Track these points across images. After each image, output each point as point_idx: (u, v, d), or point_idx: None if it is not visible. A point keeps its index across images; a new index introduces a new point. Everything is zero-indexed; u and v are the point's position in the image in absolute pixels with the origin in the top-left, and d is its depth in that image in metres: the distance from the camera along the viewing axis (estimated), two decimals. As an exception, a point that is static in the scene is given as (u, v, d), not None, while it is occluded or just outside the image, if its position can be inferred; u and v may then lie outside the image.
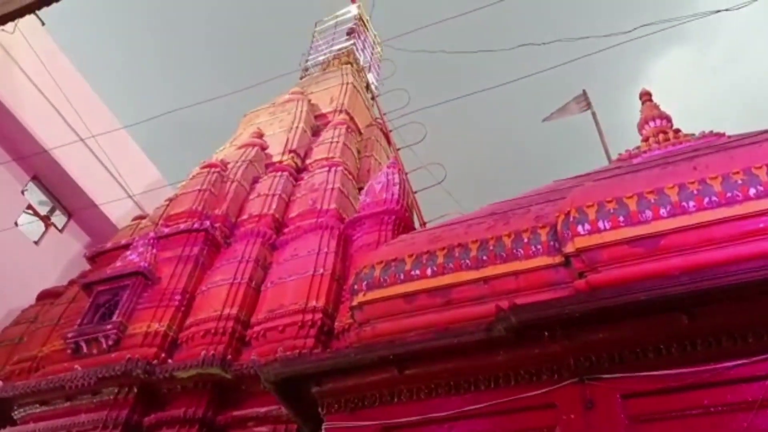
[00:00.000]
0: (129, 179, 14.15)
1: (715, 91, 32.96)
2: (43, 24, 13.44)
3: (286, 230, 9.29)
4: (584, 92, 10.28)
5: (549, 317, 4.54)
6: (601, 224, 4.95)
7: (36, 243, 13.01)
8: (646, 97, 7.95)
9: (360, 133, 12.89)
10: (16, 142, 12.44)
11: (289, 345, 7.15)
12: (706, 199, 4.74)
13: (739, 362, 4.15)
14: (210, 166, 10.36)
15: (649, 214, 4.85)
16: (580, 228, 5.00)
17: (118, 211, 13.77)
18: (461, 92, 8.84)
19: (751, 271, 4.10)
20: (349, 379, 5.20)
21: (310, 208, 9.42)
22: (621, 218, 4.92)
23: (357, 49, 16.11)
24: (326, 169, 10.24)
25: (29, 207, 13.14)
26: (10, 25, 8.90)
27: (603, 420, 4.31)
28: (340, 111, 12.88)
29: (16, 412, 7.82)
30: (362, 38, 16.77)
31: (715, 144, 6.15)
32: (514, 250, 5.30)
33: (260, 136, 11.72)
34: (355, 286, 5.83)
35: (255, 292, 8.20)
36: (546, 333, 4.58)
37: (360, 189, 10.28)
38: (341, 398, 5.26)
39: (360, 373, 5.15)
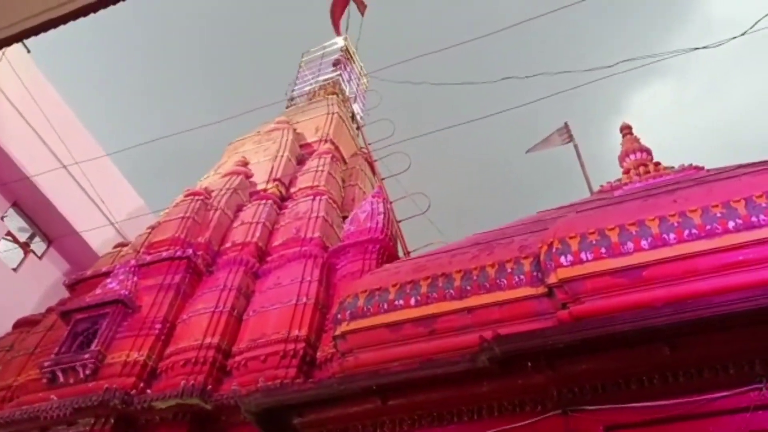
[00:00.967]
0: (111, 206, 14.06)
1: (694, 124, 33.63)
2: (28, 51, 13.46)
3: (269, 258, 9.23)
4: (566, 124, 10.43)
5: (532, 348, 4.55)
6: (583, 255, 5.00)
7: (14, 270, 12.83)
8: (626, 130, 8.08)
9: (345, 163, 12.94)
10: (-3, 168, 12.33)
11: (270, 375, 7.06)
12: (687, 232, 4.81)
13: (721, 394, 4.17)
14: (193, 194, 10.32)
15: (630, 245, 4.91)
16: (562, 259, 5.05)
17: (99, 239, 13.63)
18: (446, 123, 8.98)
19: (732, 302, 4.16)
20: (332, 409, 5.16)
21: (293, 237, 9.38)
22: (603, 249, 4.97)
23: (343, 80, 16.27)
24: (311, 197, 10.23)
25: (8, 233, 12.97)
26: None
27: (586, 452, 4.30)
28: (326, 140, 12.92)
29: (-12, 443, 7.62)
30: (348, 69, 16.95)
31: (694, 177, 6.25)
32: (498, 280, 5.33)
33: (245, 164, 11.72)
34: (339, 316, 5.81)
35: (237, 321, 8.11)
36: (529, 364, 4.60)
37: (344, 218, 10.26)
38: (323, 429, 5.22)
39: (343, 404, 5.12)
